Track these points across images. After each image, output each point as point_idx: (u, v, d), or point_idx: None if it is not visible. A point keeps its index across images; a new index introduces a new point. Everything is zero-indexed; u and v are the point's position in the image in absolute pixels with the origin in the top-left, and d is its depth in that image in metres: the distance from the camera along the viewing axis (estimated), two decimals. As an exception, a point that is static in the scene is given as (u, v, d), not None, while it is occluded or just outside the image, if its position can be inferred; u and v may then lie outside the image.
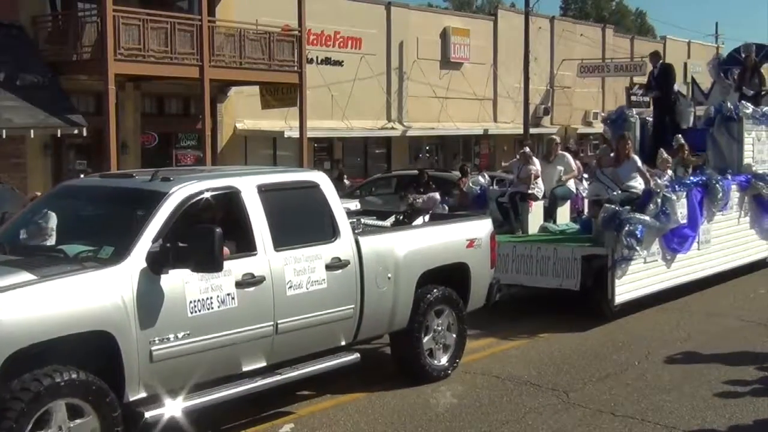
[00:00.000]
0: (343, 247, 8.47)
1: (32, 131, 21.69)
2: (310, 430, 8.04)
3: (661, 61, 17.09)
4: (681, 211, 12.87)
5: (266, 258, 7.81)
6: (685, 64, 46.51)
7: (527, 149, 14.35)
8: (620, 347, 10.87)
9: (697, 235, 13.47)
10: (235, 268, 7.56)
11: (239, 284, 7.54)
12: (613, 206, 11.96)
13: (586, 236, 12.88)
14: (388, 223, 10.26)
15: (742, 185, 14.98)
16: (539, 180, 13.94)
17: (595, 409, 8.51)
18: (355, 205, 22.57)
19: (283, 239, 7.98)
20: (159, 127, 26.83)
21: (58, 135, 22.54)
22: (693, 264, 13.52)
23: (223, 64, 24.91)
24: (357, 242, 8.61)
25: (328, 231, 8.47)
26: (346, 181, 25.33)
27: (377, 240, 8.94)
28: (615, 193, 12.78)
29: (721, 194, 13.78)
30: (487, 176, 15.33)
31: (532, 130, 36.41)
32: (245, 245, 7.78)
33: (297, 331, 8.02)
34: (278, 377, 7.97)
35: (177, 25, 23.72)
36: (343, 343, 8.59)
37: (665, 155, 14.19)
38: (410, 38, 33.71)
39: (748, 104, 15.47)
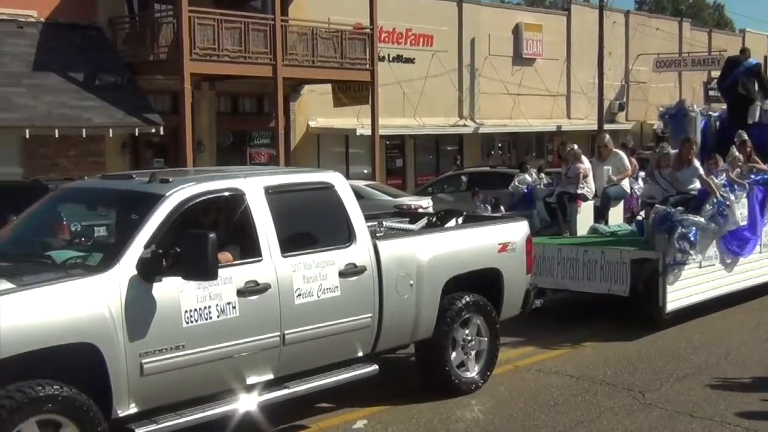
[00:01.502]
0: (359, 252, 7.66)
1: (111, 130, 21.66)
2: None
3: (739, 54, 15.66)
4: (741, 212, 11.68)
5: (272, 264, 7.06)
6: (766, 58, 44.20)
7: (576, 146, 13.20)
8: (697, 348, 10.23)
9: (759, 237, 12.22)
10: (237, 275, 6.84)
11: (241, 292, 6.82)
12: (664, 207, 10.85)
13: (638, 239, 11.74)
14: (419, 225, 9.37)
15: (811, 184, 13.58)
16: (589, 179, 12.80)
17: (672, 410, 7.99)
18: (427, 202, 21.98)
19: (291, 244, 7.23)
20: (233, 125, 26.55)
21: (136, 134, 22.44)
22: (755, 268, 12.27)
23: (296, 62, 24.47)
24: (375, 247, 7.78)
25: (343, 235, 7.67)
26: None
27: (398, 244, 8.10)
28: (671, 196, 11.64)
29: (785, 193, 12.49)
30: (535, 174, 14.15)
31: (607, 126, 34.82)
32: (249, 251, 7.04)
33: (307, 342, 7.25)
34: (286, 390, 7.21)
35: (251, 25, 23.39)
36: (360, 354, 7.78)
37: (737, 153, 12.90)
38: (482, 35, 32.63)
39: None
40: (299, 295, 7.18)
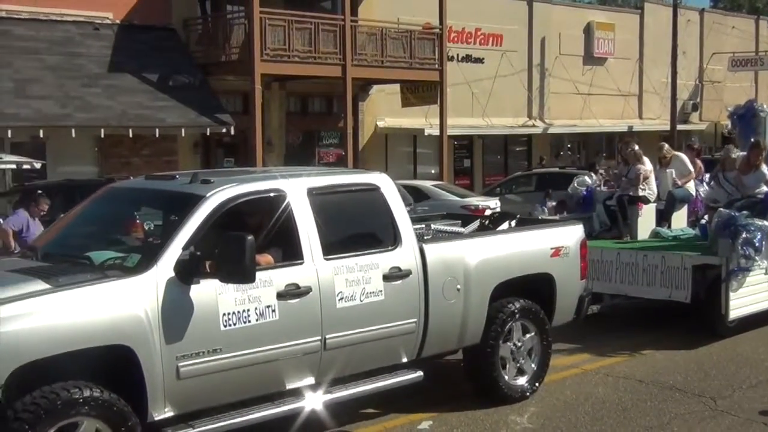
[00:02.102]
0: (404, 255, 7.37)
1: (183, 130, 21.90)
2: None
3: None
4: (811, 216, 11.02)
5: (314, 267, 6.82)
6: None
7: (636, 147, 12.64)
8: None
9: (831, 242, 11.51)
10: (278, 278, 6.62)
11: (281, 295, 6.60)
12: (728, 211, 10.29)
13: (701, 244, 11.17)
14: (470, 228, 9.03)
15: None
16: (650, 180, 12.25)
17: (745, 417, 7.70)
18: (495, 203, 21.59)
19: (334, 247, 6.98)
20: (303, 125, 26.55)
21: (207, 133, 22.61)
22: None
23: (365, 62, 24.41)
24: (421, 250, 7.48)
25: (387, 238, 7.39)
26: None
27: (445, 248, 7.78)
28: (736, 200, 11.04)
29: None
30: (594, 176, 13.61)
31: (680, 127, 33.88)
32: (291, 253, 6.81)
33: (348, 347, 6.99)
34: (328, 396, 6.96)
35: (320, 26, 23.41)
36: (404, 359, 7.48)
37: None
38: (552, 34, 31.98)
39: None
40: (341, 298, 6.93)
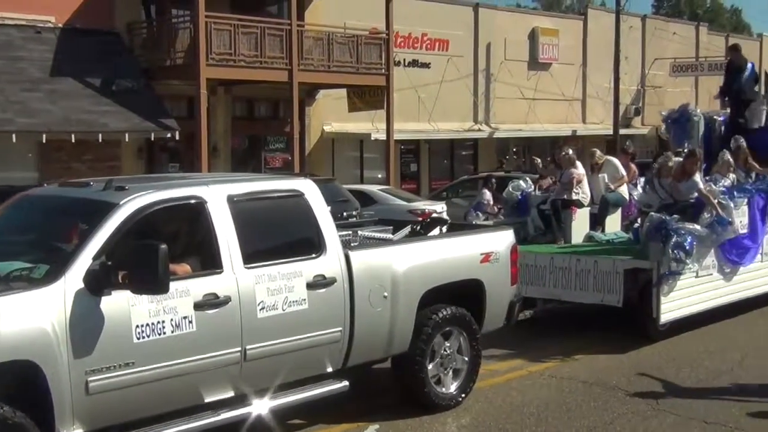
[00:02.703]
0: (329, 263, 7.13)
1: (127, 135, 21.33)
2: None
3: (734, 54, 14.95)
4: (740, 219, 10.98)
5: (234, 276, 6.56)
6: (783, 63, 43.09)
7: (570, 151, 12.54)
8: (712, 353, 9.94)
9: (760, 245, 11.49)
10: (195, 287, 6.35)
11: (199, 306, 6.32)
12: (659, 215, 10.18)
13: (633, 247, 11.06)
14: (400, 235, 8.80)
15: (814, 191, 12.80)
16: (584, 185, 12.13)
17: (686, 416, 7.78)
18: (441, 207, 21.41)
19: (255, 255, 6.72)
20: (249, 130, 26.15)
21: (152, 139, 22.08)
22: (756, 277, 11.55)
23: (312, 67, 24.07)
24: (347, 257, 7.25)
25: (312, 245, 7.14)
26: None
27: (372, 255, 7.55)
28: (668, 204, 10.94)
29: (787, 201, 11.73)
30: (530, 180, 13.46)
31: (623, 131, 34.01)
32: (209, 262, 6.55)
33: (270, 358, 6.73)
34: (247, 408, 6.70)
35: (267, 30, 23.02)
36: (330, 369, 7.24)
37: (727, 157, 12.13)
38: (498, 39, 31.91)
39: (824, 100, 13.27)
40: (262, 308, 6.67)
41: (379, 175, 27.26)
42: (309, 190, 7.28)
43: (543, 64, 33.58)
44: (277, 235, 7.18)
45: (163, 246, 5.84)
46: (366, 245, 7.97)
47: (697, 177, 11.17)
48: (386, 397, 8.19)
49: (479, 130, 31.39)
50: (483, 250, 8.22)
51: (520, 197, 12.86)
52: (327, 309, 7.06)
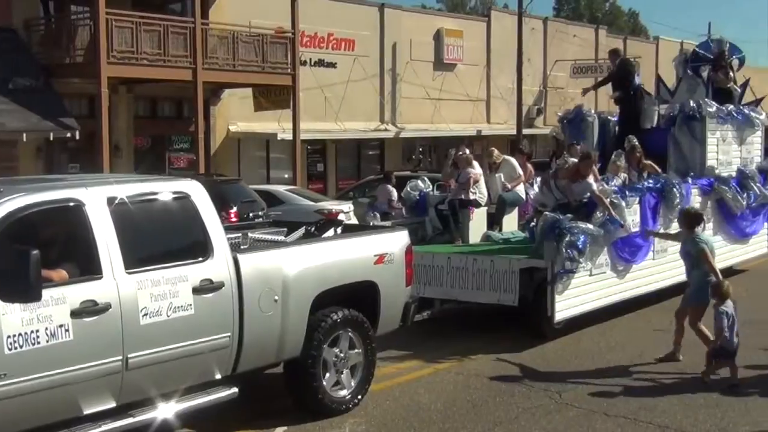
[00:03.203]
0: (216, 267, 6.87)
1: (25, 135, 20.55)
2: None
3: (620, 58, 15.21)
4: (632, 218, 11.11)
5: (114, 282, 6.24)
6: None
7: (467, 151, 12.51)
8: (613, 347, 10.16)
9: (652, 243, 11.65)
10: (72, 294, 6.02)
11: (76, 313, 6.00)
12: (553, 215, 10.21)
13: (529, 247, 11.05)
14: (294, 236, 8.57)
15: (704, 189, 13.02)
16: (481, 185, 12.11)
17: (588, 409, 7.94)
18: (348, 206, 21.22)
19: (137, 260, 6.42)
20: (152, 129, 25.51)
21: (51, 138, 21.29)
22: (648, 275, 11.70)
23: (217, 66, 23.64)
24: (236, 261, 7.00)
25: (198, 249, 6.87)
26: None
27: (262, 257, 7.31)
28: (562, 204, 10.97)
29: (678, 199, 11.84)
30: (428, 180, 13.39)
31: (526, 131, 34.47)
32: (88, 268, 6.22)
33: (154, 366, 6.44)
34: (130, 420, 6.38)
35: (170, 28, 22.46)
36: (219, 376, 6.98)
37: (617, 158, 12.24)
38: (403, 40, 31.90)
39: (712, 102, 13.53)
40: (145, 314, 6.37)
41: (286, 176, 26.96)
42: (195, 191, 7.00)
43: (448, 64, 33.74)
44: (162, 238, 6.88)
45: (35, 251, 5.53)
46: (256, 248, 7.72)
47: (591, 179, 11.22)
48: (281, 401, 7.95)
49: (386, 129, 31.34)
50: (377, 251, 8.07)
51: (418, 197, 12.76)
52: (214, 314, 6.81)
